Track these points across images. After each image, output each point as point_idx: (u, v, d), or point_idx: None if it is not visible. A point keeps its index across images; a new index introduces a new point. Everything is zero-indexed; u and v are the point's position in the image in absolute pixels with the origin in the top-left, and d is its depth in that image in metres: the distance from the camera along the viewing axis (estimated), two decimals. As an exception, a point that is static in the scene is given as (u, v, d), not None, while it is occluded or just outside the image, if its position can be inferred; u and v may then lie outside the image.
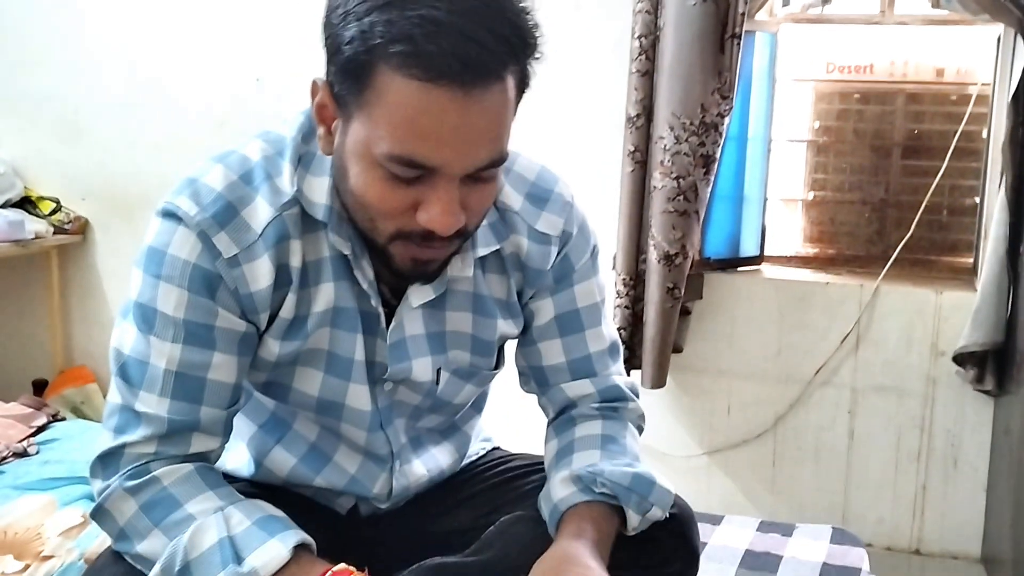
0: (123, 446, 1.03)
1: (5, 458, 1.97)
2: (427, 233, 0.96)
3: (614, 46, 2.71)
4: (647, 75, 2.56)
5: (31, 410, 2.20)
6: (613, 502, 1.12)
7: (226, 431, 1.09)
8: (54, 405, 2.93)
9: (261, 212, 1.03)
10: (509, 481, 1.34)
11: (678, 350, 2.78)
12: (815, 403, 2.77)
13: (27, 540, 1.57)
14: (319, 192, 1.04)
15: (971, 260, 2.87)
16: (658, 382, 2.65)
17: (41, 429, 2.15)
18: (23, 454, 1.99)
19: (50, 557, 1.50)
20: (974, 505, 2.68)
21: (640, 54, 2.55)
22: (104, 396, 0.97)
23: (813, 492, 2.80)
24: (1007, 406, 2.50)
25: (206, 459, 1.08)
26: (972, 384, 2.58)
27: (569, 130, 2.80)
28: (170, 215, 1.03)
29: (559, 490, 1.14)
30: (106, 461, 1.04)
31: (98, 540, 1.62)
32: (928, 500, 2.72)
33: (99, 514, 1.04)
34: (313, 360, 1.12)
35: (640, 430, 1.30)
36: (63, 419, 2.29)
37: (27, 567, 1.51)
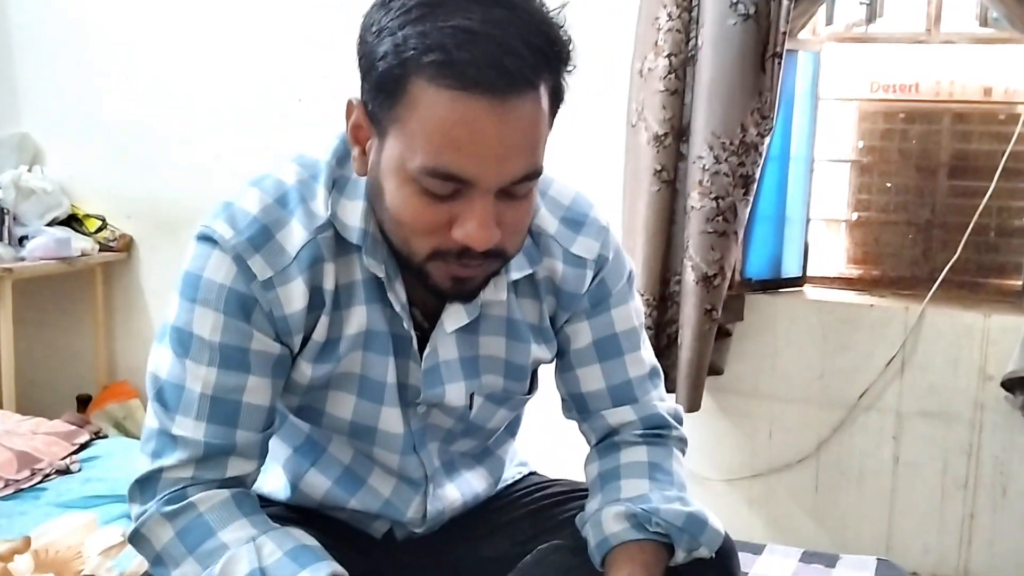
0: (160, 470, 1.03)
1: (48, 475, 1.99)
2: (463, 250, 0.96)
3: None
4: (676, 94, 2.55)
5: (74, 427, 2.22)
6: (665, 540, 1.11)
7: (261, 454, 1.09)
8: (97, 420, 2.98)
9: (296, 235, 1.03)
10: (547, 508, 1.33)
11: (718, 372, 2.75)
12: (859, 428, 2.72)
13: (67, 559, 1.59)
14: (353, 215, 1.04)
15: (1020, 282, 2.80)
16: (693, 405, 2.61)
17: (84, 446, 2.17)
18: (65, 471, 2.01)
19: (89, 576, 1.52)
20: (1023, 534, 2.61)
21: (669, 73, 2.53)
22: (146, 410, 1.00)
23: (857, 519, 2.74)
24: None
25: (243, 483, 1.08)
26: (1021, 410, 2.51)
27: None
28: (206, 239, 1.03)
29: (611, 524, 1.12)
30: (144, 486, 1.05)
31: (136, 560, 1.62)
32: (976, 528, 2.66)
33: (136, 538, 1.04)
34: (345, 384, 1.12)
35: (683, 454, 1.28)
36: (105, 436, 2.31)
37: (66, 586, 1.52)
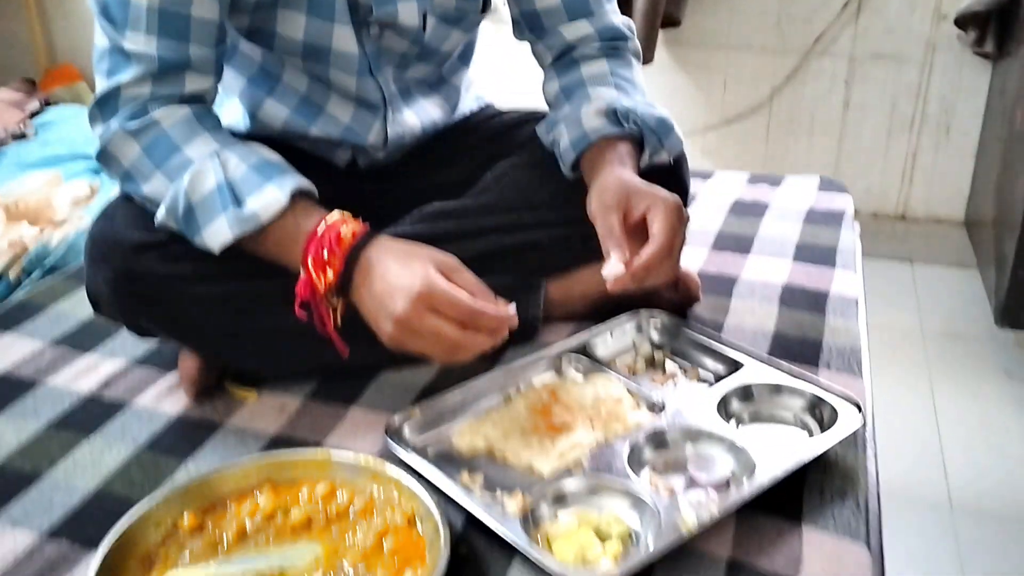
0: (118, 88, 1.02)
1: (3, 141, 1.98)
2: None
3: None
4: None
5: (22, 95, 2.18)
6: (637, 139, 1.15)
7: (217, 71, 1.08)
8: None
9: None
10: (504, 133, 1.36)
11: (676, 23, 2.71)
12: (812, 74, 2.75)
13: (39, 210, 1.62)
14: None
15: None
16: (647, 57, 2.60)
17: (35, 114, 2.14)
18: (21, 136, 1.99)
19: (63, 223, 1.55)
20: (962, 171, 2.73)
21: None
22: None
23: (805, 166, 2.84)
24: (1005, 69, 2.47)
25: (202, 100, 1.08)
26: (972, 47, 2.54)
27: None
28: None
29: (591, 120, 1.15)
30: (103, 105, 1.04)
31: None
32: (918, 167, 2.77)
33: (104, 157, 1.05)
34: (294, 1, 1.09)
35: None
36: (55, 104, 2.27)
37: (42, 231, 1.56)
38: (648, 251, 0.98)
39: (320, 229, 0.96)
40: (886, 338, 2.37)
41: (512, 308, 0.93)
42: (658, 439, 0.93)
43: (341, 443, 0.98)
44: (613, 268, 0.97)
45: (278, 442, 0.99)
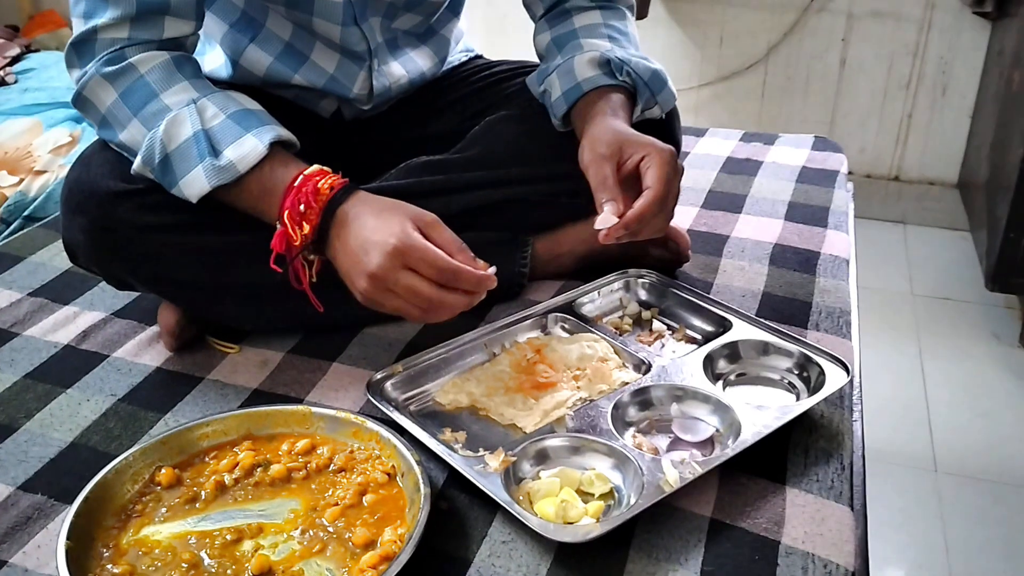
0: (95, 30, 0.99)
1: (-16, 87, 1.95)
2: None
3: None
4: None
5: (3, 40, 2.13)
6: (630, 90, 1.12)
7: (198, 16, 1.05)
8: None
9: None
10: (493, 85, 1.33)
11: (671, -24, 2.66)
12: (809, 31, 2.71)
13: (18, 158, 1.59)
14: None
15: None
16: (641, 12, 2.55)
17: (16, 60, 2.10)
18: (1, 83, 1.95)
19: (42, 172, 1.52)
20: (957, 133, 2.71)
21: None
22: None
23: (799, 124, 2.81)
24: (1004, 29, 2.44)
25: (182, 46, 1.05)
26: (972, 7, 2.50)
27: None
28: None
29: (585, 70, 1.12)
30: (80, 48, 1.01)
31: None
32: (912, 128, 2.74)
33: (80, 102, 1.02)
34: None
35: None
36: (37, 51, 2.23)
37: (21, 181, 1.53)
38: (642, 202, 0.96)
39: (298, 182, 0.94)
40: (876, 299, 2.37)
41: (492, 269, 0.91)
42: (643, 398, 0.92)
43: (323, 398, 0.97)
44: (606, 219, 0.95)
45: (259, 396, 0.98)
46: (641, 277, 1.15)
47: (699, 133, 1.79)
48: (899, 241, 2.72)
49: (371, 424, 0.85)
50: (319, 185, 0.93)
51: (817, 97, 2.78)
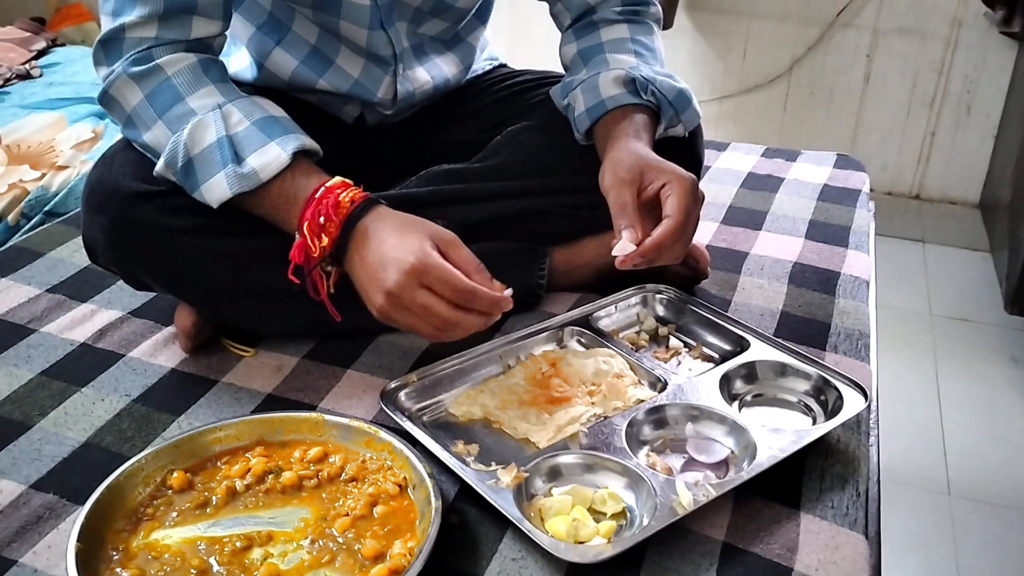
0: (123, 28, 0.99)
1: (9, 80, 1.95)
2: None
3: None
4: None
5: (29, 34, 2.14)
6: (654, 110, 1.12)
7: (225, 17, 1.05)
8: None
9: None
10: (517, 94, 1.33)
11: (697, -12, 2.65)
12: (834, 46, 2.69)
13: (41, 153, 1.59)
14: None
15: None
16: (666, 23, 2.54)
17: (42, 54, 2.11)
18: (26, 76, 1.96)
19: (64, 167, 1.53)
20: (980, 152, 2.69)
21: None
22: None
23: (821, 139, 2.79)
24: (1032, 49, 2.42)
25: (209, 48, 1.05)
26: (999, 26, 2.48)
27: None
28: None
29: (609, 88, 1.12)
30: (108, 46, 1.01)
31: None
32: (935, 146, 2.72)
33: (106, 100, 1.02)
34: None
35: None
36: (63, 44, 2.24)
37: (43, 176, 1.54)
38: (660, 231, 0.95)
39: (319, 193, 0.93)
40: (894, 318, 2.35)
41: (508, 291, 0.90)
42: (658, 417, 0.91)
43: (336, 405, 0.97)
44: (624, 247, 0.95)
45: (272, 401, 0.98)
46: (659, 292, 1.14)
47: (721, 147, 1.78)
48: (919, 260, 2.70)
49: (384, 434, 0.85)
50: (340, 198, 0.93)
51: (840, 112, 2.76)
